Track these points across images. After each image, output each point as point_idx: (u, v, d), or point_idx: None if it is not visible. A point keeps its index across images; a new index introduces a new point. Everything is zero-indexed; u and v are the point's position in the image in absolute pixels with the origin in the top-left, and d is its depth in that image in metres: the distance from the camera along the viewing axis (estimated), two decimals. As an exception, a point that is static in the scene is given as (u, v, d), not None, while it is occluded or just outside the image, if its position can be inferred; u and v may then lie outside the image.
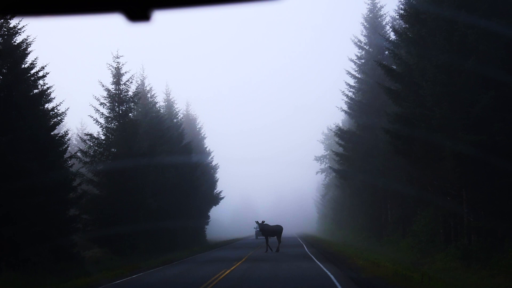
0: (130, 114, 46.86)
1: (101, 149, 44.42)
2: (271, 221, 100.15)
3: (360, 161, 50.62)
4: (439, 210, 34.57)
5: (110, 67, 45.34)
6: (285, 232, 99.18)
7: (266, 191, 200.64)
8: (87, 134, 45.41)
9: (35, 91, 32.80)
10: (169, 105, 68.97)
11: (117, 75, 45.49)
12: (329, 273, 23.74)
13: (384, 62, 39.19)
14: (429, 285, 19.13)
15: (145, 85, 58.66)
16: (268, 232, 47.33)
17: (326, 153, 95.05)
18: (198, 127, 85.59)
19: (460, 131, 27.66)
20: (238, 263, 31.51)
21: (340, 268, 26.05)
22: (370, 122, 49.85)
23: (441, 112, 28.23)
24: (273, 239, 49.52)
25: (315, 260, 31.89)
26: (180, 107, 75.12)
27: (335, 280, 21.05)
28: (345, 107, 54.13)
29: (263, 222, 48.23)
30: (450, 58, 27.99)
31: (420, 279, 20.19)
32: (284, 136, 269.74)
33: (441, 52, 28.35)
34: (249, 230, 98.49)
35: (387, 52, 39.25)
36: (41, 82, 32.69)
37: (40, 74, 32.17)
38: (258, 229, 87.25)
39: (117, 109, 45.29)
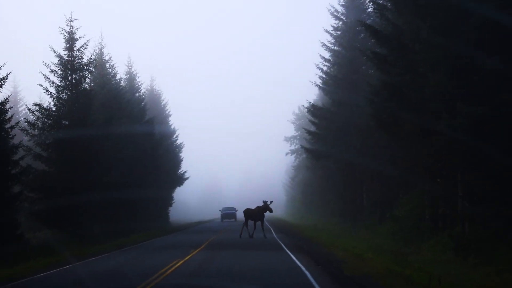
0: (84, 84, 42.42)
1: (51, 121, 39.92)
2: (237, 204, 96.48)
3: (334, 140, 46.38)
4: (426, 194, 30.39)
5: (63, 31, 40.92)
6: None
7: (233, 173, 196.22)
8: (35, 104, 40.56)
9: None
10: (131, 78, 64.59)
11: (70, 40, 41.15)
12: (303, 268, 19.29)
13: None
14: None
15: (104, 55, 53.91)
16: (253, 215, 40.50)
17: (297, 133, 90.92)
18: (163, 103, 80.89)
19: (459, 101, 23.41)
20: (196, 251, 27.05)
21: (316, 261, 21.52)
22: (346, 98, 45.65)
23: (436, 79, 24.01)
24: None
25: (286, 249, 27.38)
26: (144, 81, 70.59)
27: (312, 280, 16.61)
28: (319, 82, 49.76)
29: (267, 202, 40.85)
30: (449, 16, 23.75)
31: (424, 282, 15.81)
32: (253, 116, 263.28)
33: (438, 9, 24.09)
34: (215, 212, 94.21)
35: (371, 9, 34.65)
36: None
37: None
38: (224, 212, 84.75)
39: (69, 77, 41.08)
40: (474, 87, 23.66)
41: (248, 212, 40.61)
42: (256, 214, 40.15)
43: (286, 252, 25.66)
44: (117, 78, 55.74)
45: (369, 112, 38.55)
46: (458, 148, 24.35)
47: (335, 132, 46.75)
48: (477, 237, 23.27)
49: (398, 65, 26.44)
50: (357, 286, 15.63)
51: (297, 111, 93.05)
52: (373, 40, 32.85)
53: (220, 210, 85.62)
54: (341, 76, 47.72)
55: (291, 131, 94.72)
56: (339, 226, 48.85)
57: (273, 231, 45.21)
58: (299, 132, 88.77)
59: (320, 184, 65.06)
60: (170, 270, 19.37)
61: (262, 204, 40.14)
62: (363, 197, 46.52)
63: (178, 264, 21.34)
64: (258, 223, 41.11)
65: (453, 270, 21.77)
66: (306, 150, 50.37)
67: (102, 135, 42.05)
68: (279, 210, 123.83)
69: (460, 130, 23.29)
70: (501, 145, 23.54)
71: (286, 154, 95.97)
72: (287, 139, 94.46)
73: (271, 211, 40.20)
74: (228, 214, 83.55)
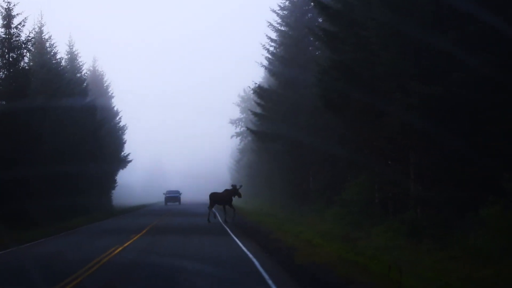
0: (22, 63, 40.33)
1: (-13, 100, 37.74)
2: (182, 188, 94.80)
3: (282, 122, 45.07)
4: (375, 176, 29.36)
5: (-1, 8, 38.34)
6: (197, 199, 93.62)
7: (179, 156, 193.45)
8: (-31, 83, 38.17)
9: None
10: (72, 58, 62.33)
11: (8, 17, 38.75)
12: (251, 256, 17.95)
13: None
14: (401, 282, 13.54)
15: (44, 33, 51.43)
16: (220, 199, 38.46)
17: (242, 116, 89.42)
18: (105, 84, 78.54)
19: (412, 80, 22.31)
20: (137, 237, 25.52)
21: (264, 248, 20.17)
22: (293, 79, 44.45)
23: (389, 56, 22.84)
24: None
25: (231, 234, 25.99)
26: (85, 61, 68.11)
27: (261, 270, 15.23)
28: (265, 63, 48.43)
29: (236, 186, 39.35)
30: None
31: (383, 271, 14.64)
32: (200, 99, 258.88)
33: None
34: (159, 196, 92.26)
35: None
36: None
37: None
38: (168, 195, 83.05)
39: (6, 56, 38.60)
40: (428, 66, 22.61)
41: (214, 196, 38.54)
42: (223, 197, 37.96)
43: (233, 238, 24.29)
44: (57, 57, 53.47)
45: (317, 93, 37.56)
46: (410, 129, 23.31)
47: (282, 114, 45.53)
48: (430, 222, 22.29)
49: (348, 43, 25.24)
50: (310, 277, 14.32)
51: (242, 93, 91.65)
52: (321, 20, 31.68)
53: (164, 193, 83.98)
54: (288, 56, 46.52)
55: (236, 114, 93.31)
56: (285, 210, 47.66)
57: (218, 215, 43.71)
58: (244, 115, 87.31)
59: (266, 167, 63.74)
60: (103, 260, 17.62)
61: (231, 187, 38.34)
62: (310, 180, 45.42)
63: (115, 252, 19.70)
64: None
65: (406, 256, 20.73)
66: (252, 132, 48.96)
67: (42, 113, 40.83)
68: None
69: (412, 110, 22.26)
70: (454, 127, 22.56)
71: (231, 137, 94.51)
72: (233, 122, 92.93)
73: (240, 195, 38.16)
74: (172, 197, 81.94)
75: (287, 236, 24.09)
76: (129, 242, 22.78)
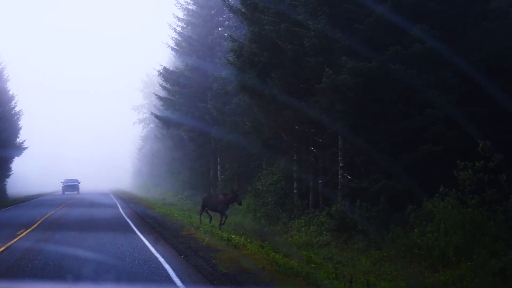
0: None
1: None
2: (81, 177, 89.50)
3: (188, 107, 41.53)
4: (295, 164, 26.29)
5: None
6: (98, 188, 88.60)
7: (79, 144, 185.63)
8: None
9: None
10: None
11: None
12: (162, 260, 14.02)
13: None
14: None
15: None
16: (214, 205, 26.50)
17: (145, 101, 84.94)
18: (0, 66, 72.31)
19: (344, 54, 19.26)
20: (25, 233, 21.38)
21: (178, 249, 16.17)
22: (201, 61, 40.90)
23: (318, 28, 19.70)
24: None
25: (136, 230, 21.94)
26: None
27: (178, 281, 11.56)
28: (172, 44, 44.58)
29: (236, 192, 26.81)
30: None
31: (334, 282, 11.36)
32: (103, 85, 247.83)
33: None
34: (58, 185, 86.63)
35: None
36: None
37: None
38: (66, 184, 78.00)
39: None
40: (361, 39, 19.62)
41: (207, 199, 27.38)
42: (217, 204, 26.10)
43: (137, 234, 20.35)
44: None
45: (226, 76, 34.19)
46: (339, 110, 20.28)
47: (189, 98, 41.94)
48: (362, 216, 19.32)
49: (271, 13, 21.94)
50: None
51: (145, 78, 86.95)
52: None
53: (62, 182, 78.80)
54: (196, 37, 42.97)
55: (139, 99, 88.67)
56: (190, 200, 44.18)
57: (119, 207, 39.61)
58: (147, 101, 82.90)
59: (170, 155, 60.05)
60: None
61: (230, 193, 26.28)
62: (218, 169, 42.05)
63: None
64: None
65: (338, 256, 17.80)
66: (156, 117, 44.96)
67: None
68: (123, 182, 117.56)
69: (343, 88, 19.22)
70: (390, 107, 19.75)
71: (134, 123, 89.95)
72: (135, 108, 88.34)
73: (240, 203, 26.76)
74: (70, 186, 76.91)
75: (200, 232, 20.50)
76: (12, 242, 18.56)
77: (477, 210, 14.62)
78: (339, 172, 21.47)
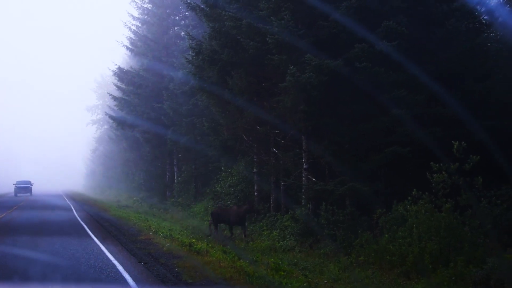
0: None
1: None
2: (34, 178, 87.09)
3: (144, 107, 40.12)
4: (255, 166, 25.28)
5: None
6: (51, 190, 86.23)
7: (32, 145, 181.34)
8: None
9: None
10: None
11: None
12: (120, 268, 12.73)
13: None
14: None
15: None
16: (228, 217, 23.06)
17: (99, 102, 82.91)
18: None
19: (309, 52, 18.34)
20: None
21: (136, 255, 14.78)
22: (156, 60, 39.58)
23: (281, 24, 18.76)
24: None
25: (92, 235, 20.40)
26: None
27: None
28: (127, 43, 43.13)
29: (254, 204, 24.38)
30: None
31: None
32: (57, 86, 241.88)
33: None
34: (9, 187, 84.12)
35: None
36: None
37: None
38: (18, 185, 75.74)
39: None
40: (326, 36, 18.76)
41: (220, 213, 23.57)
42: (232, 215, 22.77)
43: (93, 239, 18.96)
44: None
45: (183, 76, 32.96)
46: (304, 109, 19.35)
47: (144, 98, 40.57)
48: (328, 220, 18.40)
49: (232, 8, 20.90)
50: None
51: (99, 78, 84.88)
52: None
53: (14, 184, 76.44)
54: (151, 36, 41.65)
55: (93, 100, 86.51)
56: (145, 202, 42.78)
57: (73, 209, 37.99)
58: (101, 101, 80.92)
59: (124, 157, 58.50)
60: None
61: (246, 205, 22.95)
62: (175, 171, 40.80)
63: None
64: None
65: (304, 261, 16.83)
66: (111, 118, 43.44)
67: None
68: (77, 184, 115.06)
69: (307, 86, 18.28)
70: (354, 106, 18.89)
71: (87, 124, 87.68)
72: (89, 109, 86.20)
73: (258, 213, 23.84)
74: (23, 188, 74.63)
75: (159, 237, 19.25)
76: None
77: (452, 215, 13.81)
78: (303, 174, 20.53)
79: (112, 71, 44.05)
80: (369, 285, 13.40)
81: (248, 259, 14.91)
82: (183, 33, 40.18)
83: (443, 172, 14.18)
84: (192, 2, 24.61)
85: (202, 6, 22.74)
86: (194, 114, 33.02)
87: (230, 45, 21.14)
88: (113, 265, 13.40)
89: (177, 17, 41.99)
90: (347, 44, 18.41)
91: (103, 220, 27.09)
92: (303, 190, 20.66)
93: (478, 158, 13.67)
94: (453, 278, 12.05)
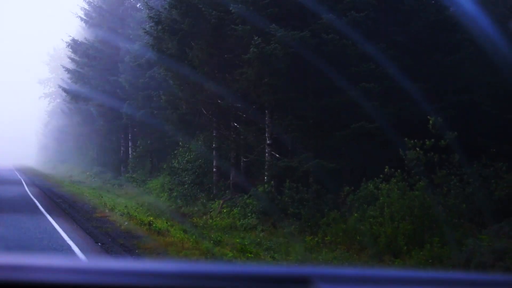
0: None
1: None
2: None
3: (99, 80, 38.60)
4: (214, 141, 24.25)
5: None
6: (1, 165, 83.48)
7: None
8: None
9: None
10: None
11: None
12: (78, 251, 11.55)
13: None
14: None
15: None
16: None
17: (52, 75, 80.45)
18: None
19: (274, 22, 17.34)
20: None
21: (93, 235, 13.47)
22: (112, 33, 38.04)
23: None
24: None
25: (44, 211, 19.15)
26: None
27: None
28: (81, 14, 41.43)
29: None
30: None
31: None
32: (7, 57, 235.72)
33: None
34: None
35: None
36: None
37: None
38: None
39: None
40: (292, 5, 17.77)
41: None
42: None
43: (46, 217, 17.64)
44: None
45: (139, 48, 31.65)
46: (268, 83, 18.36)
47: (99, 71, 39.04)
48: (293, 198, 17.53)
49: (193, -25, 19.72)
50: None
51: (52, 51, 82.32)
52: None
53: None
54: (106, 7, 40.05)
55: (46, 73, 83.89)
56: (98, 178, 41.43)
57: (24, 184, 36.42)
58: (54, 74, 78.51)
59: (77, 131, 56.84)
60: None
61: None
62: (130, 145, 39.48)
63: None
64: None
65: (267, 241, 15.94)
66: (64, 90, 41.83)
67: None
68: (28, 159, 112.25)
69: (272, 58, 17.30)
70: (320, 79, 17.97)
71: (39, 98, 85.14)
72: (41, 82, 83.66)
73: None
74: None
75: (116, 214, 18.07)
76: None
77: (426, 193, 13.05)
78: (266, 150, 19.59)
79: (66, 42, 42.32)
80: (341, 267, 12.58)
81: (210, 239, 13.94)
82: (139, 4, 38.82)
83: (417, 149, 13.37)
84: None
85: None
86: (150, 87, 31.76)
87: (191, 14, 19.97)
88: (69, 246, 12.23)
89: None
90: (314, 15, 17.46)
91: (55, 196, 25.70)
92: (266, 167, 19.72)
93: (456, 134, 12.88)
94: (430, 260, 11.28)
